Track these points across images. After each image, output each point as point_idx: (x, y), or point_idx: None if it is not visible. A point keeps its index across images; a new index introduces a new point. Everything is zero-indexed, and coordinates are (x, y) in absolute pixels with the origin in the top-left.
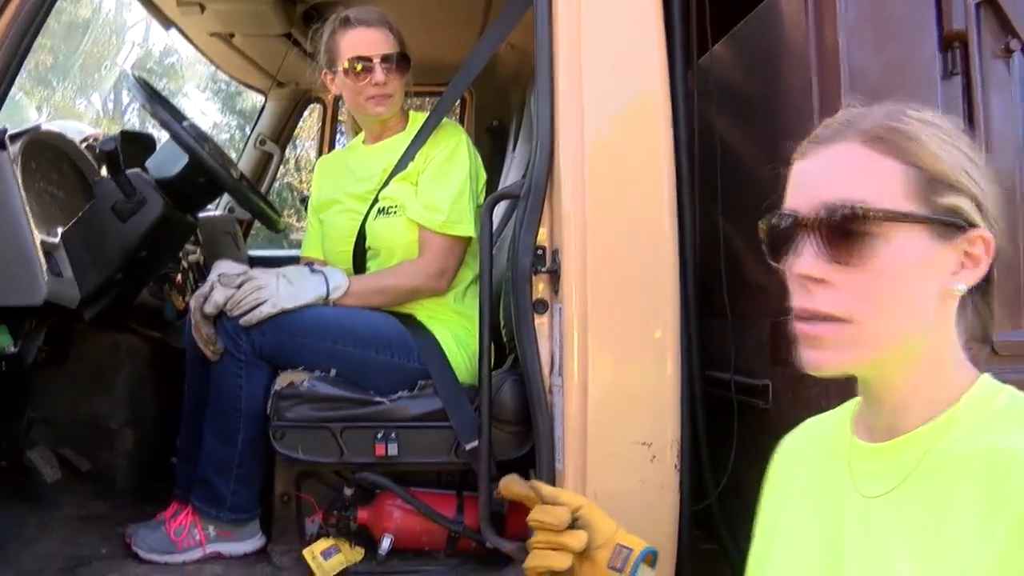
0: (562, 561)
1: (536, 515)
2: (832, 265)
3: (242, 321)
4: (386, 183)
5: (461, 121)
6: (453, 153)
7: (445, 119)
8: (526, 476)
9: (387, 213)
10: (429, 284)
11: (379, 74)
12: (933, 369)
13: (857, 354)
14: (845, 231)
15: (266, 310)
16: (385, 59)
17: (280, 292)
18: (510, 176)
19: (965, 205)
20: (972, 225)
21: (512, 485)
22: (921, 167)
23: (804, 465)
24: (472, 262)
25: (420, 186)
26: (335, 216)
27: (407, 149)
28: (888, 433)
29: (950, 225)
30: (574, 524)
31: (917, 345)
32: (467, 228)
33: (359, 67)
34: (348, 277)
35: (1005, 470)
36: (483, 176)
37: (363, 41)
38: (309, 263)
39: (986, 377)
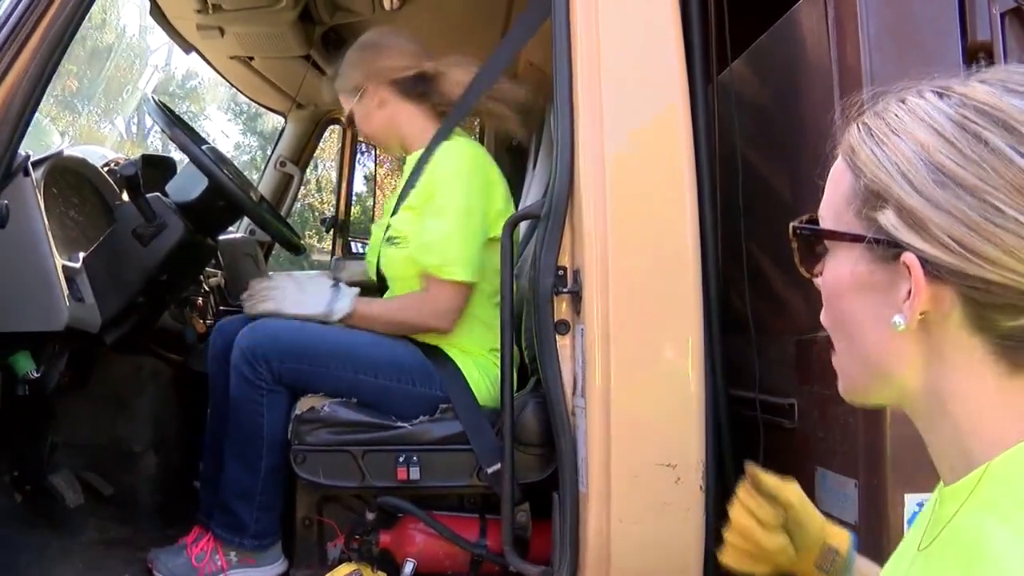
0: (764, 569)
1: (752, 534)
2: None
3: (245, 310)
4: (395, 210)
5: (480, 139)
6: (451, 184)
7: (459, 136)
8: (549, 499)
9: (393, 243)
10: (431, 323)
11: (360, 130)
12: (945, 408)
13: (843, 381)
14: (802, 244)
15: (267, 307)
16: (349, 119)
17: (287, 297)
18: (530, 195)
19: (885, 219)
20: (897, 245)
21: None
22: (859, 172)
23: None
24: (492, 286)
25: (423, 218)
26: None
27: (411, 173)
28: (947, 477)
29: (883, 244)
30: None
31: (901, 378)
32: (460, 272)
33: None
34: (357, 300)
35: (974, 563)
36: (495, 203)
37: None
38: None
39: None
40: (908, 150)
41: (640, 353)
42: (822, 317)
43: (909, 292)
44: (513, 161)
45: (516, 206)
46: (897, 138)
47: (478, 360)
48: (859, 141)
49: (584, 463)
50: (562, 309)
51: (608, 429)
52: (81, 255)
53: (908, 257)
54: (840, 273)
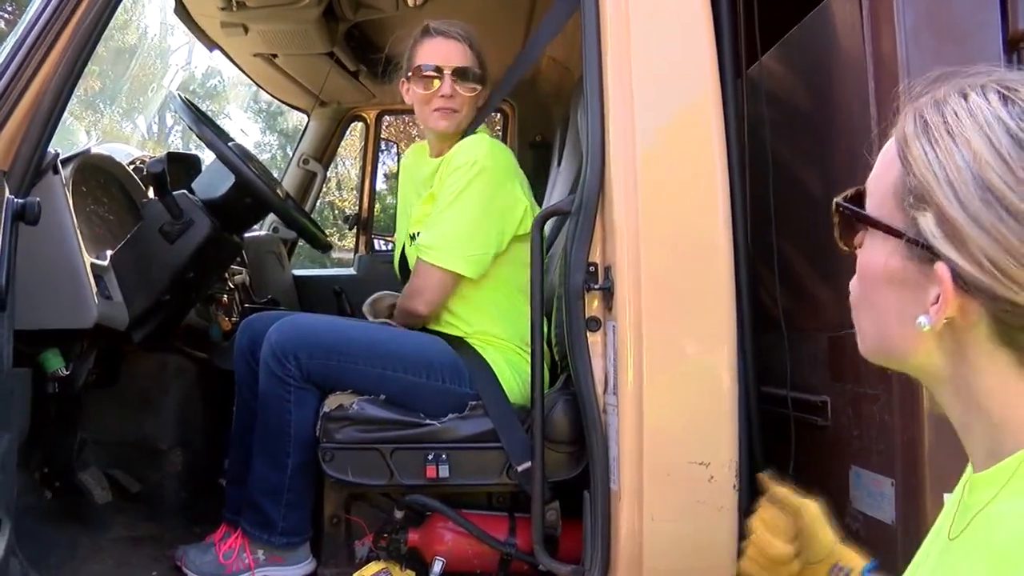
0: None
1: (761, 541)
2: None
3: None
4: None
5: (504, 136)
6: (469, 184)
7: (483, 133)
8: (580, 497)
9: (415, 239)
10: (408, 304)
11: (446, 85)
12: (972, 399)
13: (862, 344)
14: (843, 220)
15: None
16: (456, 72)
17: None
18: (555, 192)
19: (926, 224)
20: (933, 251)
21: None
22: (908, 167)
23: None
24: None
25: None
26: (400, 232)
27: (437, 169)
28: (979, 464)
29: (920, 246)
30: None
31: (923, 365)
32: (441, 258)
33: (428, 76)
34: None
35: (1015, 548)
36: (511, 198)
37: (437, 51)
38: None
39: None
40: (960, 159)
41: (672, 350)
42: (851, 285)
43: (938, 297)
44: (537, 157)
45: (540, 203)
46: (951, 142)
47: (508, 357)
48: (913, 134)
49: (616, 461)
50: (593, 305)
51: (640, 427)
52: (108, 253)
53: (940, 267)
54: (874, 259)
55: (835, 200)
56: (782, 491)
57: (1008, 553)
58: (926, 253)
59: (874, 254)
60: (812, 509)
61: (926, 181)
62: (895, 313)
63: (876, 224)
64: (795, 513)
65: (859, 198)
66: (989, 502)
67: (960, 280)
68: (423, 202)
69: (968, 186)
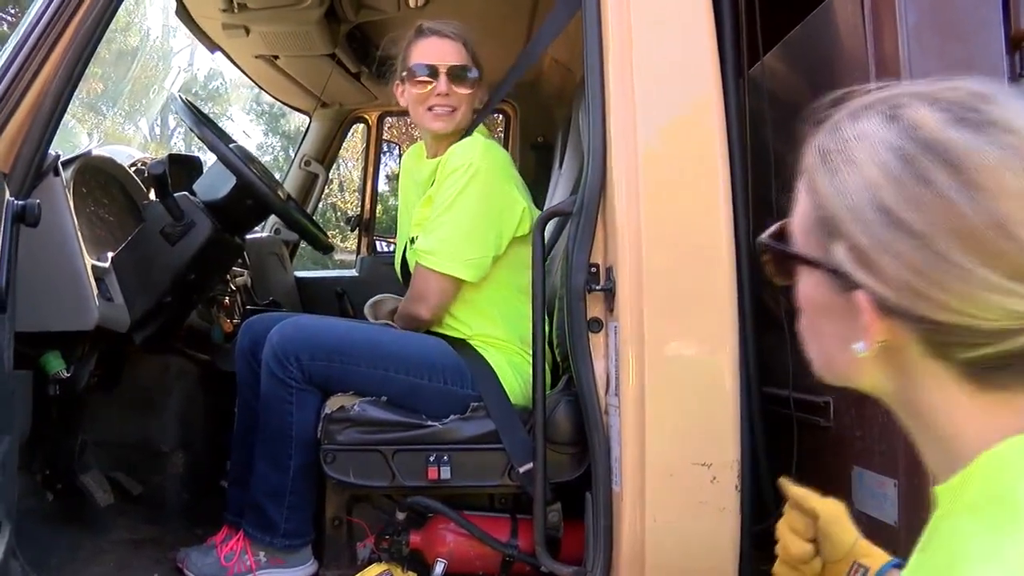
0: None
1: (783, 540)
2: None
3: None
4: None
5: (506, 137)
6: (465, 187)
7: (479, 134)
8: (582, 499)
9: (414, 242)
10: (410, 308)
11: (442, 84)
12: (920, 416)
13: (816, 369)
14: (771, 257)
15: None
16: (452, 70)
17: None
18: (557, 193)
19: (839, 254)
20: (851, 281)
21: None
22: (815, 198)
23: None
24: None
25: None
26: (401, 234)
27: (436, 171)
28: (939, 478)
29: (839, 275)
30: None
31: (873, 387)
32: (439, 263)
33: (423, 75)
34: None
35: (955, 566)
36: (508, 200)
37: (432, 50)
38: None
39: (1018, 440)
40: (857, 184)
41: (674, 351)
42: (797, 323)
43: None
44: (538, 159)
45: (542, 204)
46: (847, 169)
47: (510, 358)
48: (814, 166)
49: (618, 462)
50: (595, 307)
51: (642, 428)
52: (110, 255)
53: (859, 295)
54: (805, 292)
55: (759, 240)
56: (800, 493)
57: (946, 572)
58: (846, 282)
59: (804, 287)
60: (830, 509)
61: (832, 211)
62: (835, 341)
63: (796, 258)
64: (812, 514)
65: (783, 234)
66: (940, 518)
67: (880, 305)
68: (421, 205)
69: (868, 211)
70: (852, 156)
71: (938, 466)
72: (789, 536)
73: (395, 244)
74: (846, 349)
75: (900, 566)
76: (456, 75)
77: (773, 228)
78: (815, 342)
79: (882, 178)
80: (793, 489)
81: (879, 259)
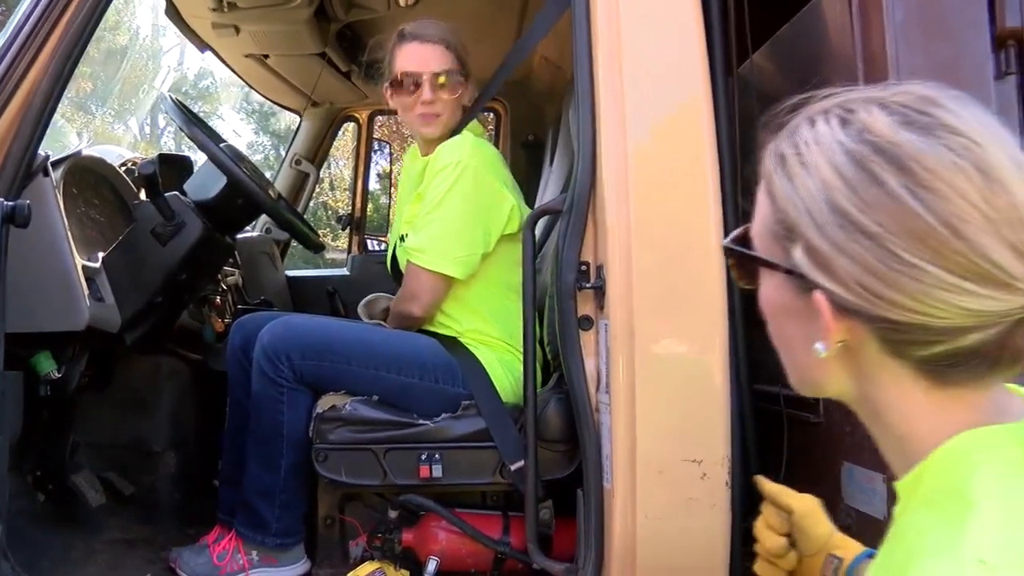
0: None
1: (759, 536)
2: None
3: None
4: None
5: (496, 135)
6: (444, 177)
7: (468, 132)
8: (573, 496)
9: (404, 240)
10: (402, 306)
11: (427, 92)
12: (878, 414)
13: (790, 377)
14: (735, 261)
15: None
16: (436, 77)
17: None
18: (547, 191)
19: (797, 256)
20: (809, 282)
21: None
22: (773, 202)
23: None
24: (512, 279)
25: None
26: (393, 232)
27: (425, 169)
28: (899, 475)
29: (798, 277)
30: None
31: (839, 390)
32: (429, 260)
33: (407, 83)
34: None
35: (912, 559)
36: (496, 197)
37: (414, 57)
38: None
39: (971, 435)
40: (813, 187)
41: (664, 348)
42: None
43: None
44: (529, 157)
45: (533, 202)
46: (803, 172)
47: (501, 356)
48: (772, 169)
49: (609, 459)
50: (585, 304)
51: (633, 425)
52: (100, 255)
53: (817, 296)
54: (768, 294)
55: (723, 244)
56: (774, 489)
57: (903, 567)
58: (805, 284)
59: (767, 290)
60: (804, 504)
61: (789, 214)
62: (799, 343)
63: (758, 261)
64: (787, 509)
65: (746, 238)
66: (899, 513)
67: (838, 305)
68: (411, 202)
69: (824, 213)
70: (807, 160)
71: (898, 463)
72: (765, 532)
73: (387, 243)
74: (810, 351)
75: (873, 556)
76: (440, 81)
77: (736, 232)
78: (783, 348)
79: (836, 180)
80: (768, 485)
81: (835, 260)
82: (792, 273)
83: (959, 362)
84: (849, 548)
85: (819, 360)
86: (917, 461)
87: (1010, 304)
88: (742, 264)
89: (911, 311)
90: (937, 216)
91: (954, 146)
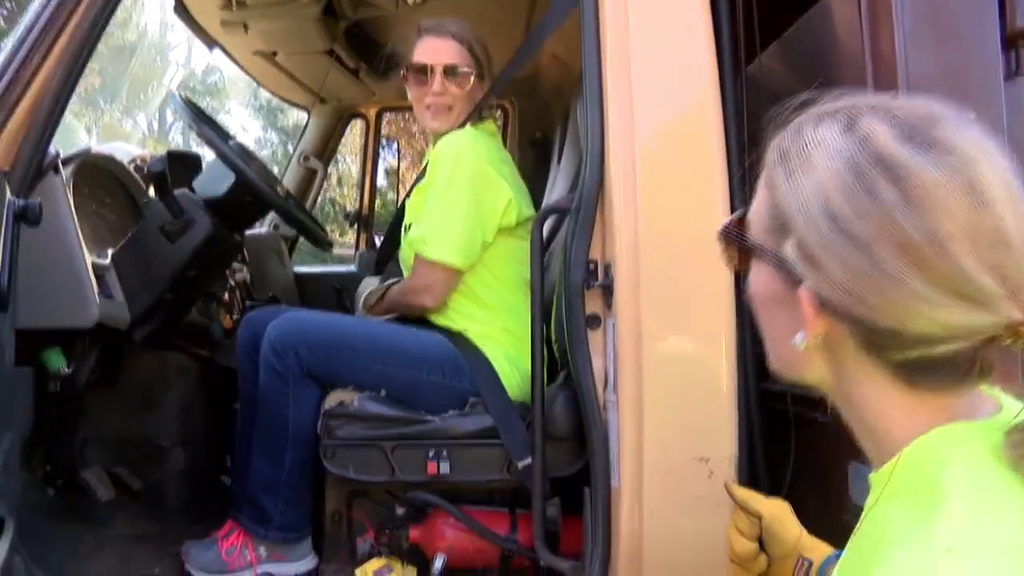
0: None
1: (730, 541)
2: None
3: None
4: (409, 193)
5: (504, 133)
6: (444, 169)
7: (483, 130)
8: (580, 494)
9: (407, 231)
10: (410, 299)
11: (436, 83)
12: (854, 408)
13: (769, 364)
14: (728, 244)
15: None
16: (446, 69)
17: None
18: (555, 189)
19: (789, 249)
20: (795, 275)
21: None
22: (772, 195)
23: None
24: (519, 275)
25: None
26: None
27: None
28: (875, 466)
29: (787, 270)
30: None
31: (818, 381)
32: (435, 252)
33: (417, 75)
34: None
35: (880, 551)
36: (497, 191)
37: (427, 49)
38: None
39: (942, 431)
40: (810, 188)
41: (672, 347)
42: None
43: None
44: (537, 155)
45: (541, 200)
46: (803, 171)
47: (508, 352)
48: (773, 163)
49: (616, 457)
50: (593, 303)
51: (640, 423)
52: (110, 252)
53: (802, 290)
54: (757, 281)
55: (720, 227)
56: (744, 495)
57: (873, 558)
58: (792, 276)
59: (755, 277)
60: (773, 509)
61: (785, 209)
62: (781, 332)
63: (751, 248)
64: (756, 514)
65: (742, 223)
66: (871, 505)
67: (820, 301)
68: (415, 193)
69: (818, 214)
70: (809, 160)
71: (872, 454)
72: (735, 537)
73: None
74: (789, 341)
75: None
76: (450, 73)
77: (734, 216)
78: (766, 333)
79: (833, 185)
80: (737, 491)
81: (823, 259)
82: (781, 264)
83: (933, 369)
84: (818, 550)
85: (798, 351)
86: (890, 454)
87: (984, 321)
88: (735, 248)
89: (890, 317)
90: (923, 232)
91: (948, 165)
